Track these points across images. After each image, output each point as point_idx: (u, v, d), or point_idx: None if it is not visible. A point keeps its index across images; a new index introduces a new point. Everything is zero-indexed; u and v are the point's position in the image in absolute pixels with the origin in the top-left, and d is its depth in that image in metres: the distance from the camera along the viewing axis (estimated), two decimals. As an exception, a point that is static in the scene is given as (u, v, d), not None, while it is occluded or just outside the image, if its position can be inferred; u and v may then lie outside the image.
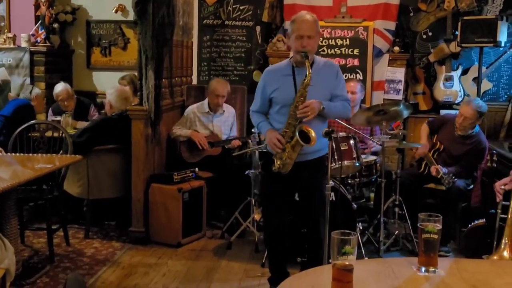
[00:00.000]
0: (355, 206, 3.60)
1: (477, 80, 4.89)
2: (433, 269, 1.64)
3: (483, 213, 3.55)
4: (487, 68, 5.12)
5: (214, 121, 4.54)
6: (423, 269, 1.65)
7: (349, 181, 3.92)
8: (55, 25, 5.49)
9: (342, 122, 4.03)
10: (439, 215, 1.65)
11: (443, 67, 5.09)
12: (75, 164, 3.87)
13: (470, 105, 3.98)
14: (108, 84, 5.19)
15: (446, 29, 5.02)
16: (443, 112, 4.99)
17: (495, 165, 3.53)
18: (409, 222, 3.93)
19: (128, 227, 4.10)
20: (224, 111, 4.58)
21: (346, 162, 3.59)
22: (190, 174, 4.15)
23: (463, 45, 4.81)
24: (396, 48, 5.07)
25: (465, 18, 4.78)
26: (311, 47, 2.93)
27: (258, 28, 5.49)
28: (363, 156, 3.90)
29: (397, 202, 3.95)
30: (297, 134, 2.85)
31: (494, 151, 3.73)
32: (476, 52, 5.01)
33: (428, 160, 4.08)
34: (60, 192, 3.84)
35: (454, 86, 5.04)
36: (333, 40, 5.05)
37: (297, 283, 1.63)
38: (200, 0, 5.46)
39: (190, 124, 4.50)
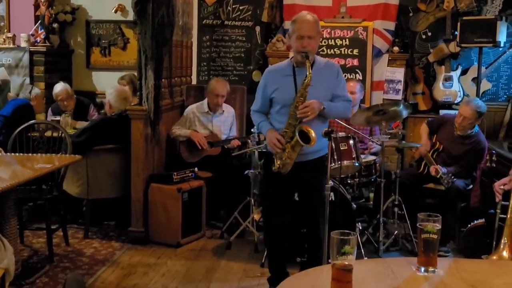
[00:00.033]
0: (354, 206, 3.60)
1: (477, 80, 4.89)
2: (433, 269, 1.65)
3: (483, 213, 3.55)
4: (486, 68, 5.12)
5: (214, 121, 4.54)
6: (423, 269, 1.65)
7: (349, 181, 3.93)
8: (55, 25, 5.49)
9: (341, 122, 4.03)
10: (438, 215, 1.66)
11: (443, 67, 5.10)
12: (74, 164, 3.87)
13: (469, 105, 3.98)
14: (108, 84, 5.19)
15: (446, 29, 5.03)
16: (442, 112, 5.00)
17: (494, 165, 3.53)
18: (408, 222, 3.93)
19: (128, 227, 4.10)
20: (223, 111, 4.58)
21: (345, 162, 3.59)
22: (190, 174, 4.15)
23: (462, 45, 4.81)
24: (396, 48, 5.07)
25: (464, 18, 4.79)
26: (312, 48, 2.93)
27: (257, 28, 5.49)
28: (362, 156, 3.90)
29: (396, 202, 3.95)
30: (297, 134, 2.86)
31: (494, 151, 3.74)
32: (475, 52, 5.02)
33: (428, 160, 4.09)
34: (60, 192, 3.84)
35: (453, 86, 5.04)
36: (332, 40, 5.05)
37: (296, 283, 1.63)
38: (200, 0, 5.46)
39: (189, 124, 4.50)
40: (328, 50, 5.05)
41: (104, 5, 5.63)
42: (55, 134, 4.08)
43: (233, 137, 4.55)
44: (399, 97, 5.06)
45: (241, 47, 5.54)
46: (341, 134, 3.68)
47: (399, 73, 5.07)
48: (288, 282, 1.64)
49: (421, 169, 4.15)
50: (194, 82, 5.36)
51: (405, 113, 4.00)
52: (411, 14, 5.24)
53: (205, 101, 4.53)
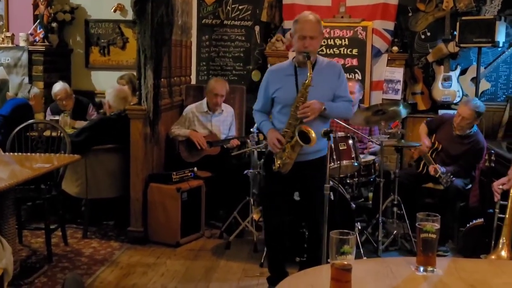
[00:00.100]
0: (353, 205, 3.60)
1: (475, 80, 4.90)
2: (431, 269, 1.65)
3: (481, 212, 3.56)
4: (485, 68, 5.13)
5: (213, 121, 4.54)
6: (422, 268, 1.65)
7: (348, 181, 3.93)
8: (54, 24, 5.48)
9: (340, 122, 4.03)
10: (437, 214, 1.66)
11: (442, 67, 5.10)
12: (73, 164, 3.86)
13: (468, 105, 3.99)
14: (107, 83, 5.19)
15: (445, 29, 5.03)
16: (441, 112, 5.00)
17: (493, 165, 3.54)
18: (407, 221, 3.93)
19: (127, 226, 4.09)
20: (222, 110, 4.58)
21: (344, 162, 3.59)
22: (189, 174, 4.14)
23: (461, 45, 4.82)
24: (395, 48, 5.07)
25: (463, 18, 4.79)
26: (313, 48, 2.93)
27: (257, 28, 5.49)
28: (361, 156, 3.90)
29: (395, 202, 3.95)
30: (296, 134, 2.86)
31: (492, 151, 3.74)
32: (474, 52, 5.02)
33: (427, 159, 4.09)
34: (58, 191, 3.84)
35: (452, 86, 5.05)
36: (331, 40, 5.06)
37: (296, 282, 1.63)
38: (199, 0, 5.46)
39: (188, 123, 4.49)
40: (328, 50, 5.05)
41: (103, 5, 5.63)
42: (54, 134, 4.07)
43: (232, 137, 4.55)
44: (398, 97, 5.07)
45: (240, 47, 5.54)
46: (340, 134, 3.68)
47: (398, 73, 5.08)
48: (287, 281, 1.64)
49: (420, 168, 4.15)
50: (193, 81, 5.36)
51: (404, 113, 4.01)
52: (410, 14, 5.24)
53: (204, 100, 4.53)
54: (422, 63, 5.27)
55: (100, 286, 3.30)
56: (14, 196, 3.24)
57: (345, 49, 5.04)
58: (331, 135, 2.82)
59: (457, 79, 5.09)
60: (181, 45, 4.76)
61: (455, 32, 4.85)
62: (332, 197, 3.35)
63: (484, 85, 5.16)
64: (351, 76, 4.97)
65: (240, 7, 5.48)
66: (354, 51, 5.02)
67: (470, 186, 4.11)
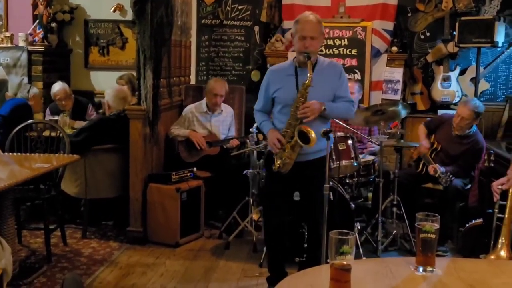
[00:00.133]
0: (353, 206, 3.60)
1: (475, 81, 4.90)
2: (431, 269, 1.65)
3: (481, 212, 3.56)
4: (484, 68, 5.13)
5: (212, 121, 4.54)
6: (421, 268, 1.65)
7: (347, 181, 3.93)
8: (53, 24, 5.48)
9: (340, 122, 4.03)
10: (436, 214, 1.66)
11: (441, 67, 5.10)
12: (72, 164, 3.86)
13: (467, 105, 3.99)
14: (106, 83, 5.18)
15: (444, 29, 5.04)
16: (440, 112, 5.00)
17: (492, 165, 3.54)
18: (407, 221, 3.93)
19: (126, 227, 4.09)
20: (222, 110, 4.58)
21: (344, 162, 3.59)
22: (188, 174, 4.14)
23: (460, 45, 4.82)
24: (394, 48, 5.07)
25: (462, 18, 4.79)
26: (314, 48, 2.93)
27: (256, 28, 5.49)
28: (361, 156, 3.90)
29: (395, 202, 3.95)
30: (296, 134, 2.86)
31: (492, 151, 3.74)
32: (473, 53, 5.02)
33: (426, 159, 4.09)
34: (58, 191, 3.84)
35: (451, 86, 5.05)
36: (331, 40, 5.06)
37: (295, 282, 1.63)
38: (199, 0, 5.46)
39: (188, 123, 4.49)
40: (327, 50, 5.05)
41: (102, 5, 5.62)
42: (53, 134, 4.07)
43: (231, 137, 4.55)
44: (398, 97, 5.07)
45: (239, 47, 5.54)
46: (340, 134, 3.68)
47: (397, 73, 5.08)
48: (287, 281, 1.64)
49: (420, 168, 4.15)
50: (192, 82, 5.36)
51: (403, 113, 4.01)
52: (409, 14, 5.24)
53: (204, 101, 4.53)
54: (422, 63, 5.27)
55: (99, 286, 3.30)
56: (13, 196, 3.24)
57: (345, 49, 5.04)
58: (330, 135, 2.82)
59: (456, 79, 5.09)
60: (181, 45, 4.76)
61: (454, 32, 4.85)
62: (331, 197, 3.35)
63: (483, 85, 5.17)
64: (350, 76, 4.97)
65: (239, 7, 5.48)
66: (354, 51, 5.02)
67: (469, 186, 4.11)
